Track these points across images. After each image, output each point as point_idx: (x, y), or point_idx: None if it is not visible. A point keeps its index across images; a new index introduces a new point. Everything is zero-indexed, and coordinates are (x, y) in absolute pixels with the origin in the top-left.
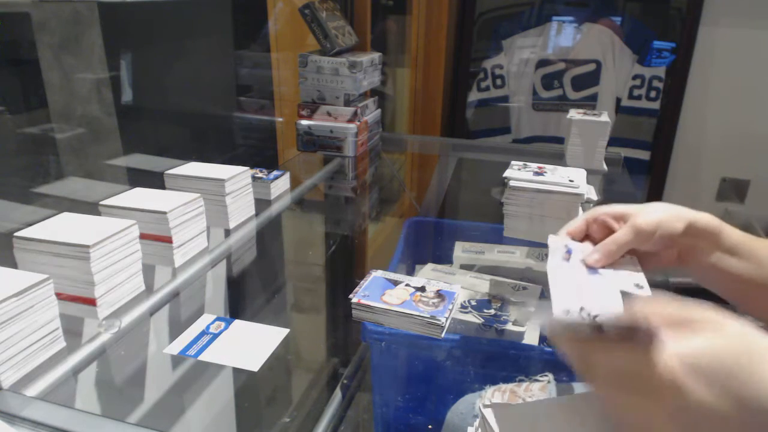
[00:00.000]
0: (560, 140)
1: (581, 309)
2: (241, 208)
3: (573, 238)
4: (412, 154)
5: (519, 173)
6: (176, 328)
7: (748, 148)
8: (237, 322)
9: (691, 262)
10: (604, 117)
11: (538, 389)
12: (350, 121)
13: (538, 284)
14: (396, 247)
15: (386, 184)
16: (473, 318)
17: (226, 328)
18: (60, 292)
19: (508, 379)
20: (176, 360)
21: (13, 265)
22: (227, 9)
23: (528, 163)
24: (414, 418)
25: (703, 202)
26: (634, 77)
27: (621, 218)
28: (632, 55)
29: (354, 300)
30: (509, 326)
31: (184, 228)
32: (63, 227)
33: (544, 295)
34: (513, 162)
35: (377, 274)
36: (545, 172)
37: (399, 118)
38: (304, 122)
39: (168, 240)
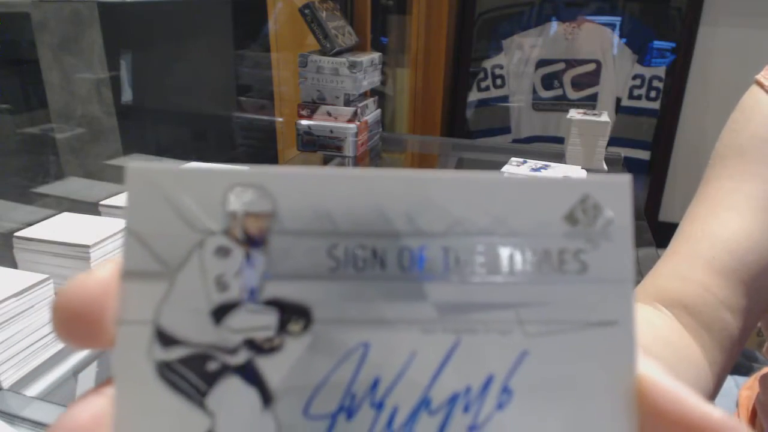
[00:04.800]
0: (560, 140)
1: None
2: None
3: None
4: (412, 154)
5: (517, 169)
6: None
7: None
8: None
9: None
10: (604, 117)
11: None
12: (350, 121)
13: None
14: None
15: None
16: None
17: None
18: None
19: None
20: None
21: (13, 265)
22: (227, 9)
23: (527, 160)
24: None
25: None
26: (634, 77)
27: None
28: (632, 54)
29: None
30: None
31: None
32: (63, 227)
33: None
34: (513, 158)
35: None
36: (545, 168)
37: (399, 118)
38: (304, 122)
39: None
